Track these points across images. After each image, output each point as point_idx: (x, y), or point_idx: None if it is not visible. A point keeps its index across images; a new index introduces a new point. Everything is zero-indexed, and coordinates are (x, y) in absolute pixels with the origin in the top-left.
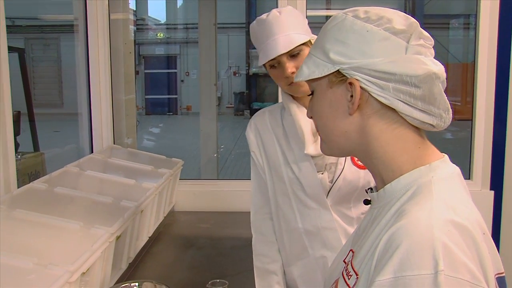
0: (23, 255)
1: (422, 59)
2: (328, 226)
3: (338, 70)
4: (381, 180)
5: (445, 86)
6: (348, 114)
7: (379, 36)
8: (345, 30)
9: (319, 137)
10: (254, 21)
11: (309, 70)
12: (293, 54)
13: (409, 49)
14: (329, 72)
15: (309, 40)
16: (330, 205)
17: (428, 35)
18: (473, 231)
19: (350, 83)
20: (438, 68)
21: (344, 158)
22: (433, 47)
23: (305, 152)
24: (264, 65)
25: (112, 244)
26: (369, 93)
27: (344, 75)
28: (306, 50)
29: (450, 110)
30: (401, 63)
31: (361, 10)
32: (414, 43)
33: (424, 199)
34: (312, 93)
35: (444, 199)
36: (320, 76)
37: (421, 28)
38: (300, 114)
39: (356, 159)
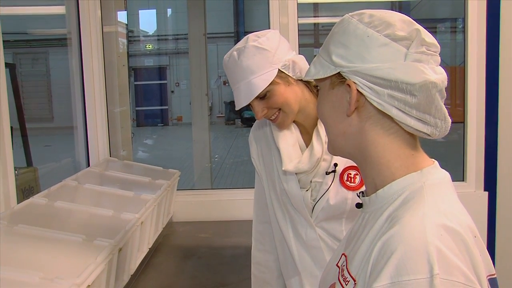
0: (28, 270)
1: (421, 67)
2: (313, 244)
3: (339, 72)
4: (374, 185)
5: (445, 96)
6: (346, 115)
7: (379, 42)
8: (348, 33)
9: (303, 154)
10: (223, 60)
11: (315, 69)
12: (261, 96)
13: (408, 56)
14: (331, 74)
15: (279, 70)
16: (315, 223)
17: (434, 41)
18: (464, 235)
19: (348, 85)
20: (438, 77)
21: (332, 178)
22: (439, 54)
23: (283, 168)
24: None
25: (115, 257)
26: (365, 98)
27: (344, 77)
28: (275, 85)
29: (448, 119)
30: (398, 70)
31: (367, 14)
32: (414, 50)
33: (416, 204)
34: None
35: (435, 205)
36: (323, 76)
37: (425, 35)
38: (280, 130)
39: (345, 179)
